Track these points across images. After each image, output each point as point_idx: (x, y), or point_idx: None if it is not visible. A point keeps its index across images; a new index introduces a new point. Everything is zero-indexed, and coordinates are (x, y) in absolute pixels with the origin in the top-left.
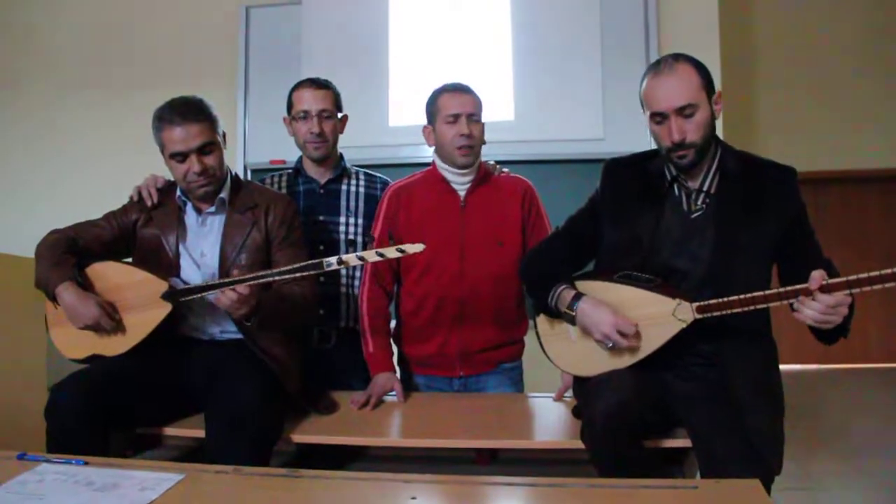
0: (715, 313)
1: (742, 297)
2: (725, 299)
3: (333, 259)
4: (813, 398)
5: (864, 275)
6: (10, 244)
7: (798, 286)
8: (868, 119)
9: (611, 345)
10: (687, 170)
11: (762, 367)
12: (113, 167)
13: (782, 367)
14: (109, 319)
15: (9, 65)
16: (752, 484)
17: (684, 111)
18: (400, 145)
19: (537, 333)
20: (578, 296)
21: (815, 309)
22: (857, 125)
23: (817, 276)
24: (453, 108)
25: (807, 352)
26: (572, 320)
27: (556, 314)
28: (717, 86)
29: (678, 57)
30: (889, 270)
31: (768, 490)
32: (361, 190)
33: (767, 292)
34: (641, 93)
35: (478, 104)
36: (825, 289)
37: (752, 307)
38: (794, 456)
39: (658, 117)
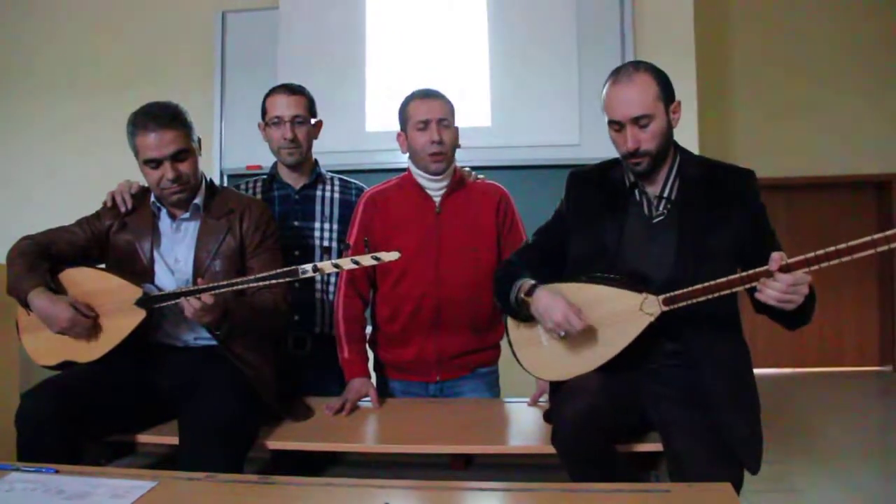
0: (681, 303)
1: (706, 284)
2: (690, 288)
3: (309, 266)
4: (787, 401)
5: (822, 251)
6: None
7: (759, 269)
8: (841, 125)
9: (562, 334)
10: (643, 176)
11: (735, 366)
12: (88, 172)
13: (756, 370)
14: (84, 319)
15: None
16: (723, 487)
17: (639, 121)
18: (377, 150)
19: (509, 341)
20: (536, 286)
21: (776, 289)
22: (831, 131)
23: (776, 257)
24: (423, 114)
25: (781, 355)
26: (528, 310)
27: (517, 310)
28: (692, 91)
29: (638, 65)
30: (844, 245)
31: (737, 491)
32: (336, 195)
33: (731, 277)
34: (602, 99)
35: (448, 109)
36: (785, 268)
37: (716, 293)
38: (769, 459)
39: (615, 125)
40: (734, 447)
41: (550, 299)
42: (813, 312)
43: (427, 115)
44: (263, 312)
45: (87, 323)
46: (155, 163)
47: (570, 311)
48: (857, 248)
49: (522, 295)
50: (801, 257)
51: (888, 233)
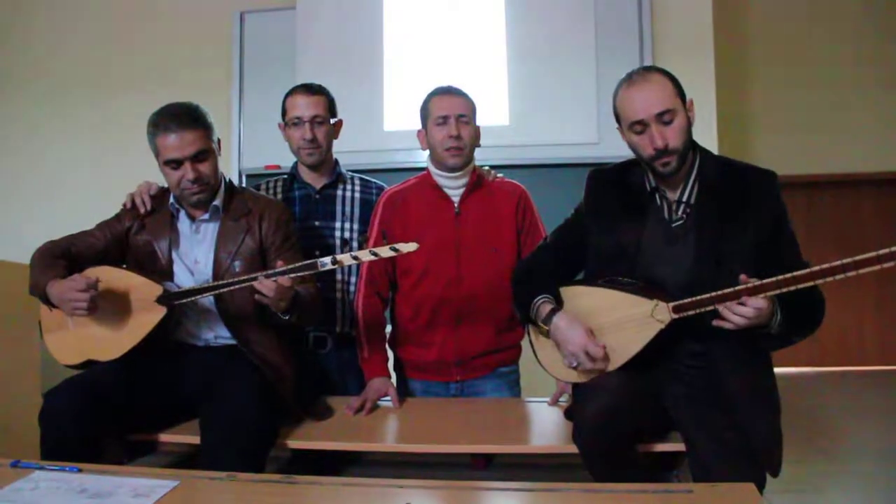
0: (690, 312)
1: (713, 294)
2: (699, 297)
3: (328, 259)
4: (808, 401)
5: (827, 265)
6: (4, 250)
7: (767, 280)
8: (862, 121)
9: (576, 364)
10: (669, 177)
11: (755, 366)
12: (108, 173)
13: (777, 370)
14: (93, 288)
15: (2, 69)
16: (746, 488)
17: (663, 117)
18: (395, 150)
19: (530, 342)
20: (554, 311)
21: (742, 314)
22: (852, 128)
23: (743, 279)
24: (442, 109)
25: (801, 354)
26: (547, 334)
27: (537, 327)
28: (711, 88)
29: (649, 68)
30: (850, 260)
31: (760, 491)
32: (357, 195)
33: (738, 288)
34: (616, 105)
35: (468, 106)
36: (756, 290)
37: (724, 302)
38: (791, 459)
39: (638, 126)
40: (755, 449)
41: (567, 332)
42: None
43: (447, 110)
44: (315, 303)
45: (94, 291)
46: (175, 163)
47: (585, 345)
48: (862, 263)
49: (540, 323)
50: (807, 271)
51: (894, 248)
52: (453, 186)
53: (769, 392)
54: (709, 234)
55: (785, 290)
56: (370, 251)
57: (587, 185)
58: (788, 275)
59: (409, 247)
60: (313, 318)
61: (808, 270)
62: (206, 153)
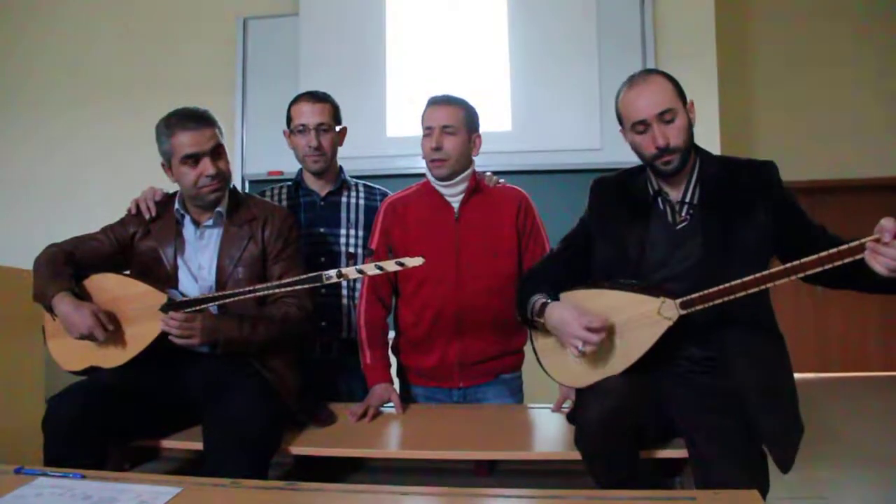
0: (698, 307)
1: (720, 287)
2: (706, 292)
3: (333, 272)
4: (812, 407)
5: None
6: (8, 256)
7: (778, 268)
8: (866, 127)
9: (581, 345)
10: (671, 177)
11: (770, 360)
12: (111, 179)
13: None
14: (103, 329)
15: (7, 77)
16: (749, 495)
17: (664, 116)
18: (397, 156)
19: (534, 348)
20: (546, 304)
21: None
22: (855, 134)
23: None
24: (428, 120)
25: (804, 359)
26: (544, 327)
27: (536, 327)
28: (713, 94)
29: (649, 71)
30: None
31: (763, 497)
32: (361, 202)
33: (745, 279)
34: (619, 107)
35: (455, 116)
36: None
37: (732, 296)
38: (796, 465)
39: (640, 126)
40: (768, 443)
41: (560, 315)
42: None
43: (431, 122)
44: (271, 323)
45: (105, 335)
46: (194, 159)
47: (582, 323)
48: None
49: (534, 317)
50: (814, 257)
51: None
52: (451, 193)
53: (784, 383)
54: (714, 232)
55: (793, 277)
56: (376, 265)
57: (591, 193)
58: (796, 262)
59: (414, 261)
60: (263, 344)
61: (815, 257)
62: (222, 148)
